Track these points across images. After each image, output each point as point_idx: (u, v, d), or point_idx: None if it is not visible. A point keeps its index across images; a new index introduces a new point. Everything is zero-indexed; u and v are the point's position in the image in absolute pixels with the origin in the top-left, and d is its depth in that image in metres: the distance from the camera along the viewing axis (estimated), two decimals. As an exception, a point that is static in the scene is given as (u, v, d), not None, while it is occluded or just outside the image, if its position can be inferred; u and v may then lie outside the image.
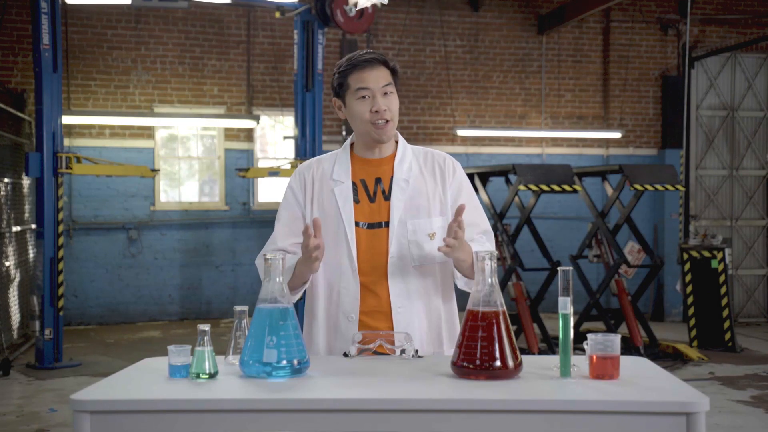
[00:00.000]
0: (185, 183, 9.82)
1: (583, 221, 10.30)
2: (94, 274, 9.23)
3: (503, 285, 7.25)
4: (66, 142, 9.00)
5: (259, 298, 1.64)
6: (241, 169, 7.83)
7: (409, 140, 11.23)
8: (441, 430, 1.44)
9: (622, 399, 1.45)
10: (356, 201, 2.14)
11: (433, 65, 10.35)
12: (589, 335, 1.61)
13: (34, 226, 7.67)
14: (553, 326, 8.70)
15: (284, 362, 1.57)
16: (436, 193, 2.15)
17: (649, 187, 7.04)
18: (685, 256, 7.71)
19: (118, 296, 9.29)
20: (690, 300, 7.72)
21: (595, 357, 1.58)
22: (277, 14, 7.99)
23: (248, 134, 9.75)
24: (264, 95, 9.82)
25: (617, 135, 10.59)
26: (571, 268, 1.68)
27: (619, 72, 10.80)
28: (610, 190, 7.72)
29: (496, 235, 7.63)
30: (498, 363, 1.57)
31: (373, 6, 7.76)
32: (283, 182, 9.72)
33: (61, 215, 6.74)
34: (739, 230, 10.92)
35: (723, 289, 7.53)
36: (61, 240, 6.74)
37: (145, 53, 9.43)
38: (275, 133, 10.09)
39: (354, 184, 2.16)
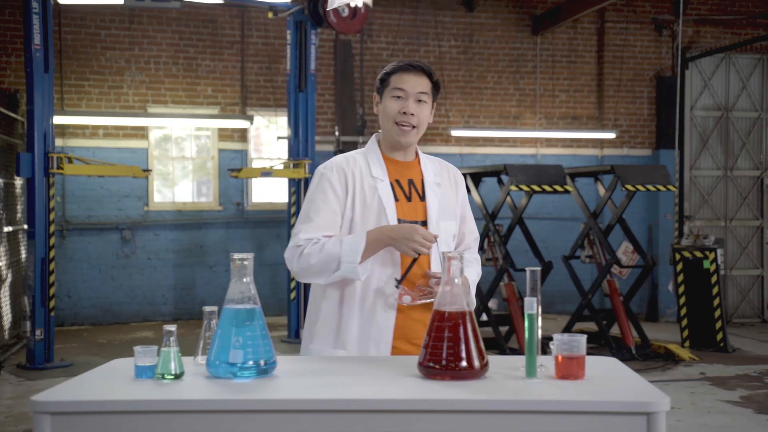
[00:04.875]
0: (179, 183, 9.82)
1: (579, 222, 10.31)
2: (87, 274, 9.23)
3: (495, 285, 7.25)
4: (59, 142, 9.01)
5: (226, 298, 1.65)
6: (233, 170, 7.82)
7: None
8: (405, 430, 1.44)
9: (582, 399, 1.45)
10: (396, 199, 2.23)
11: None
12: (555, 336, 1.62)
13: (26, 226, 7.67)
14: (543, 326, 8.68)
15: (250, 362, 1.57)
16: (453, 199, 2.35)
17: (640, 187, 7.04)
18: (678, 256, 7.71)
19: (111, 297, 9.29)
20: (682, 300, 7.72)
21: (560, 357, 1.59)
22: (270, 14, 7.99)
23: (242, 134, 9.75)
24: (258, 95, 9.82)
25: (611, 135, 10.60)
26: (539, 268, 1.68)
27: (614, 72, 10.81)
28: (602, 191, 7.72)
29: (488, 236, 7.62)
30: (464, 363, 1.57)
31: (365, 6, 7.76)
32: (276, 182, 9.72)
33: (52, 215, 6.73)
34: (733, 231, 10.93)
35: (715, 290, 7.53)
36: (52, 240, 6.73)
37: (138, 53, 9.42)
38: (270, 134, 10.10)
39: (390, 183, 2.26)
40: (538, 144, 10.72)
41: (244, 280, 1.63)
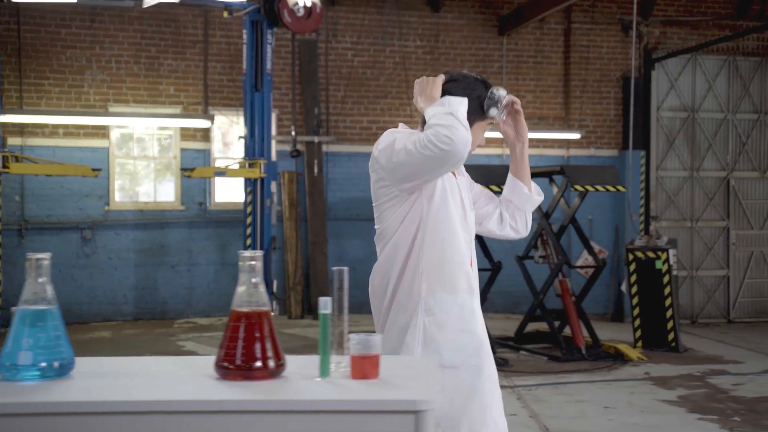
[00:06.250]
0: (141, 183, 9.80)
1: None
2: (47, 273, 9.19)
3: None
4: (18, 141, 9.00)
5: (21, 299, 1.64)
6: (186, 169, 7.81)
7: (368, 141, 11.15)
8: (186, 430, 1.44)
9: (350, 398, 1.45)
10: None
11: (392, 66, 10.36)
12: (351, 335, 1.61)
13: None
14: (494, 326, 8.68)
15: (42, 364, 1.57)
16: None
17: (590, 188, 7.06)
18: (631, 256, 7.72)
19: (71, 297, 9.25)
20: (635, 301, 7.74)
21: (354, 357, 1.59)
22: (225, 14, 7.98)
23: (205, 134, 9.73)
24: (221, 95, 9.81)
25: (576, 136, 10.61)
26: (346, 268, 1.68)
27: (580, 73, 10.83)
28: (556, 191, 7.73)
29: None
30: (258, 363, 1.57)
31: (321, 6, 7.77)
32: (240, 182, 9.68)
33: (-1, 214, 6.72)
34: (699, 231, 10.96)
35: (667, 290, 7.54)
36: (-1, 239, 6.71)
37: (99, 52, 9.40)
38: (234, 133, 10.08)
39: None
40: (504, 144, 10.73)
41: (40, 280, 1.63)
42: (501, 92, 2.35)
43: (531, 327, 7.88)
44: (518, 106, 2.38)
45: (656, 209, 10.86)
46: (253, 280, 1.61)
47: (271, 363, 1.59)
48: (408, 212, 2.24)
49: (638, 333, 7.67)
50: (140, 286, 9.54)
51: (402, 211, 2.24)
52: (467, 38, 10.62)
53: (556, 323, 7.49)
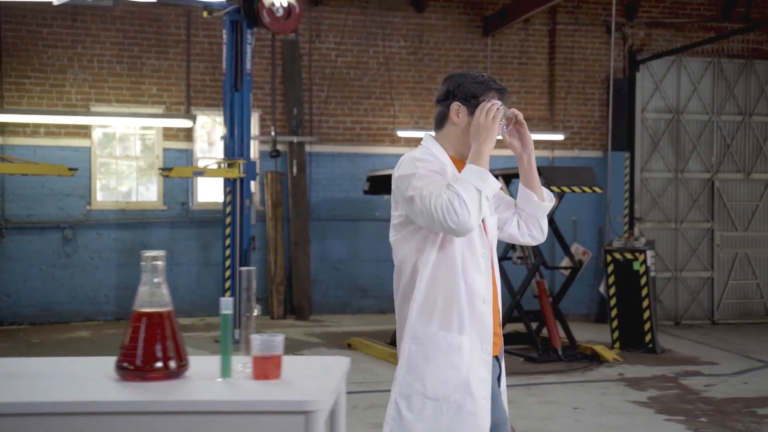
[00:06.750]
0: (123, 182, 9.79)
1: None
2: (27, 273, 9.18)
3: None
4: (-1, 140, 8.98)
5: None
6: (164, 169, 7.79)
7: (352, 142, 11.11)
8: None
9: (241, 399, 1.44)
10: None
11: (376, 66, 10.35)
12: (253, 335, 1.61)
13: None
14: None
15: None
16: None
17: (566, 189, 7.05)
18: (609, 258, 7.72)
19: (52, 296, 9.24)
20: (613, 302, 7.73)
21: (255, 357, 1.58)
22: (205, 14, 7.96)
23: (187, 134, 9.72)
24: (203, 95, 9.79)
25: (561, 137, 10.60)
26: (253, 268, 1.67)
27: (565, 74, 10.82)
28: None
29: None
30: (159, 364, 1.57)
31: (300, 6, 7.76)
32: (218, 182, 9.66)
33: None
34: (683, 233, 10.97)
35: (644, 291, 7.54)
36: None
37: (81, 51, 9.39)
38: (218, 133, 10.07)
39: None
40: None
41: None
42: (499, 104, 2.37)
43: (509, 328, 7.87)
44: (521, 118, 2.42)
45: (641, 210, 10.86)
46: (155, 279, 1.60)
47: (172, 364, 1.58)
48: (416, 234, 2.28)
49: (616, 334, 7.67)
50: (122, 285, 9.52)
51: (411, 229, 2.29)
52: (451, 39, 10.61)
53: (534, 324, 7.48)
